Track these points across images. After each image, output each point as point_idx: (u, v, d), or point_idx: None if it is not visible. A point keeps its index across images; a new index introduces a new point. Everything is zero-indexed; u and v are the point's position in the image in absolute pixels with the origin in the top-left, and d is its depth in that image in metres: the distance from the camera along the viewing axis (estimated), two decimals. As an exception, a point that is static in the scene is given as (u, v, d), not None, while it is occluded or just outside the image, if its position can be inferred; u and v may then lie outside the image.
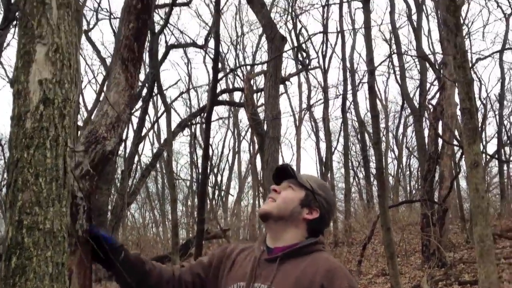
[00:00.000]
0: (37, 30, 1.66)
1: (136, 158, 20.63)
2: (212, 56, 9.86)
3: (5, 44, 14.80)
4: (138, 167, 22.96)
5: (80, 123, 16.21)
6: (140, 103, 17.11)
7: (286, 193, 2.01)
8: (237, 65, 21.94)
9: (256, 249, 2.05)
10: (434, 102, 16.49)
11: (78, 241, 1.94)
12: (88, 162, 2.07)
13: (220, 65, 16.66)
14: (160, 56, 16.90)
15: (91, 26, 18.19)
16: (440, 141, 13.58)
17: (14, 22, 14.38)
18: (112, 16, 18.32)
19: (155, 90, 16.86)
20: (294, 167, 2.11)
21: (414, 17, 17.54)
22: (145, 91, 17.34)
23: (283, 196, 2.01)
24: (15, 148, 1.61)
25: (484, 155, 19.62)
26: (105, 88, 2.52)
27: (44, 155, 1.61)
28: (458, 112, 11.67)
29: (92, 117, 2.25)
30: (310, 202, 2.01)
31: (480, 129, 16.53)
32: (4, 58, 16.42)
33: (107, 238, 2.02)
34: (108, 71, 16.82)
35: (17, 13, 14.54)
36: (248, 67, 20.33)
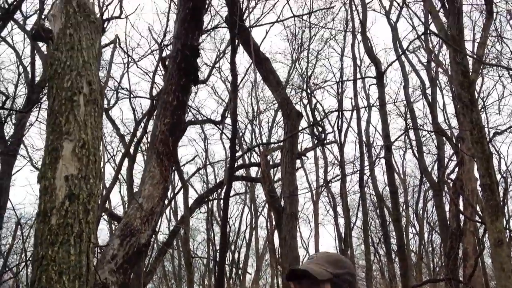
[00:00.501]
0: (65, 126, 1.71)
1: (153, 236, 20.47)
2: (228, 134, 10.05)
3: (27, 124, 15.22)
4: (155, 245, 22.74)
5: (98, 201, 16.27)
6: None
7: None
8: (254, 140, 22.16)
9: None
10: (453, 176, 16.38)
11: None
12: (122, 254, 2.08)
13: (236, 141, 16.88)
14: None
15: (111, 105, 18.62)
16: (462, 216, 13.36)
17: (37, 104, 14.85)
18: (132, 95, 18.80)
19: (173, 166, 16.98)
20: (310, 265, 2.04)
21: (429, 91, 17.77)
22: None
23: None
24: (40, 245, 1.61)
25: (508, 232, 19.20)
26: (139, 182, 2.56)
27: (68, 252, 1.61)
28: (479, 187, 11.54)
29: (127, 210, 2.28)
30: None
31: (501, 203, 16.26)
32: (27, 138, 16.77)
33: None
34: (126, 150, 17.09)
35: (40, 94, 15.04)
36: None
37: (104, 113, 16.70)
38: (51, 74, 1.92)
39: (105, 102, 17.31)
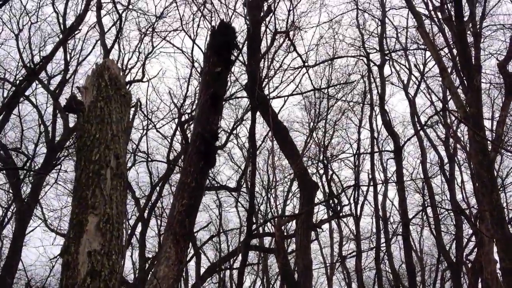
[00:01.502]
0: (90, 200, 1.70)
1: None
2: (243, 201, 9.93)
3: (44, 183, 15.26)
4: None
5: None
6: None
7: None
8: (269, 209, 21.92)
9: None
10: (472, 257, 15.97)
11: None
12: None
13: (253, 211, 16.79)
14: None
15: (128, 167, 18.74)
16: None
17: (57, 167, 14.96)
18: (149, 159, 18.89)
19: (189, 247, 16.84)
20: None
21: (447, 167, 17.63)
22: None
23: None
24: (61, 323, 1.57)
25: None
26: (155, 262, 2.53)
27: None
28: (498, 270, 11.21)
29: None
30: None
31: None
32: (43, 198, 16.76)
33: None
34: (141, 214, 17.01)
35: (59, 154, 15.19)
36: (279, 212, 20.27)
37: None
38: (80, 146, 1.95)
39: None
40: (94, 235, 1.67)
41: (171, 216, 2.57)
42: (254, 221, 18.22)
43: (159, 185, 17.63)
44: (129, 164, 19.11)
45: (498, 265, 10.89)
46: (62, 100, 13.51)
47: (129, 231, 17.49)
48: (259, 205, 23.11)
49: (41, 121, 16.48)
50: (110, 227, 1.72)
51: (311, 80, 14.22)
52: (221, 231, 24.90)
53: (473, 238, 16.83)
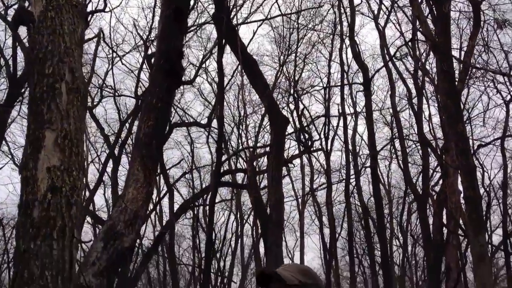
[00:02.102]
0: (46, 115, 1.64)
1: (138, 241, 20.28)
2: (215, 136, 9.90)
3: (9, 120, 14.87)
4: (139, 250, 22.50)
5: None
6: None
7: None
8: (240, 145, 21.98)
9: None
10: (437, 189, 16.43)
11: None
12: (106, 258, 2.02)
13: (223, 145, 16.74)
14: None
15: (95, 103, 18.27)
16: (445, 230, 13.38)
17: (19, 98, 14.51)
18: (116, 94, 18.51)
19: (158, 169, 16.83)
20: (280, 270, 2.06)
21: (415, 100, 17.79)
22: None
23: None
24: (22, 239, 1.55)
25: (489, 246, 19.24)
26: (123, 186, 2.51)
27: (50, 246, 1.56)
28: (462, 200, 11.57)
29: (111, 212, 2.23)
30: None
31: (484, 218, 16.27)
32: (9, 134, 16.32)
33: None
34: (111, 151, 16.88)
35: (22, 89, 14.73)
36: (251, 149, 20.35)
37: (88, 111, 16.42)
38: (33, 59, 1.84)
39: (89, 100, 17.01)
40: (53, 151, 1.62)
41: (138, 139, 2.51)
42: (224, 152, 18.19)
43: (128, 121, 17.33)
44: (96, 100, 18.66)
45: (462, 195, 11.26)
46: (22, 32, 12.86)
47: (100, 169, 17.38)
48: (230, 139, 23.15)
49: (0, 54, 15.82)
50: (69, 143, 1.67)
51: (279, 7, 13.94)
52: (194, 168, 24.98)
53: (439, 170, 17.26)
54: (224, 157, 17.77)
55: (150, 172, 2.29)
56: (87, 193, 18.66)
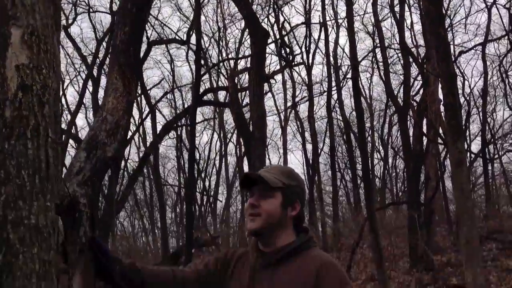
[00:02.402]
0: (11, 11, 1.56)
1: (122, 163, 20.42)
2: (194, 52, 9.70)
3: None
4: (125, 172, 22.74)
5: (64, 126, 15.96)
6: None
7: (266, 205, 1.98)
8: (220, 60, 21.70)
9: (251, 256, 2.05)
10: (418, 98, 16.54)
11: (82, 248, 1.91)
12: (89, 167, 1.99)
13: (203, 62, 16.44)
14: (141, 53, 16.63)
15: (70, 22, 17.70)
16: (425, 139, 13.59)
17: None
18: (91, 10, 17.96)
19: (139, 89, 16.65)
20: (263, 172, 2.05)
21: (397, 8, 17.47)
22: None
23: (265, 209, 1.97)
24: (-4, 138, 1.51)
25: (468, 154, 19.69)
26: (102, 93, 2.44)
27: (25, 145, 1.52)
28: (442, 109, 11.67)
29: (92, 123, 2.17)
30: (290, 200, 2.01)
31: (464, 126, 16.52)
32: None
33: (104, 248, 2.01)
34: (89, 71, 16.57)
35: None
36: (232, 66, 20.10)
37: (63, 30, 15.90)
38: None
39: (63, 18, 16.43)
40: (20, 48, 1.55)
41: (115, 46, 2.43)
42: (204, 65, 17.90)
43: (105, 40, 16.88)
44: (70, 18, 18.07)
45: (442, 103, 11.36)
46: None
47: (80, 91, 17.11)
48: (211, 56, 22.84)
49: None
50: (36, 39, 1.60)
51: None
52: (175, 87, 24.76)
53: (420, 79, 17.32)
54: (204, 73, 17.57)
55: (129, 80, 2.22)
56: (69, 116, 18.53)
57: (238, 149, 26.62)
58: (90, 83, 17.07)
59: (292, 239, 2.00)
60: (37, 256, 1.51)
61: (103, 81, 17.65)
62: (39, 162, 1.55)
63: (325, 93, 20.01)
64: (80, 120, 49.06)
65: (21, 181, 1.51)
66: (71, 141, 16.16)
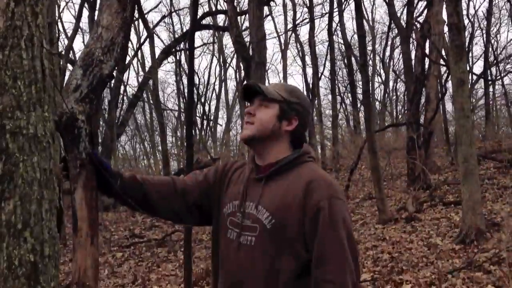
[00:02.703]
0: None
1: (122, 88, 20.38)
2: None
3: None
4: (125, 97, 22.74)
5: (61, 49, 15.79)
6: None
7: (261, 114, 1.98)
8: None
9: (247, 168, 2.08)
10: (421, 20, 16.21)
11: (83, 163, 1.95)
12: (86, 85, 2.01)
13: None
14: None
15: None
16: (427, 61, 13.46)
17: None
18: None
19: (136, 14, 16.32)
20: (265, 86, 2.04)
21: None
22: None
23: (259, 117, 1.98)
24: (-11, 49, 1.52)
25: (470, 75, 19.56)
26: (97, 11, 2.39)
27: (20, 56, 1.53)
28: (446, 30, 11.48)
29: (87, 40, 2.15)
30: (287, 114, 2.00)
31: (466, 48, 16.28)
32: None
33: (105, 163, 2.05)
34: None
35: None
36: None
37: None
38: None
39: None
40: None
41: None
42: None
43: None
44: None
45: (445, 24, 11.17)
46: None
47: (76, 14, 16.77)
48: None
49: None
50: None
51: None
52: (173, 11, 24.30)
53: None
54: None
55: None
56: (66, 41, 18.29)
57: (237, 73, 26.48)
58: (86, 6, 16.72)
59: (287, 154, 2.01)
60: (37, 164, 1.55)
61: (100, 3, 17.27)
62: (35, 73, 1.56)
63: (327, 15, 19.61)
64: (78, 44, 48.46)
65: (17, 91, 1.52)
66: (69, 65, 15.99)
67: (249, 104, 2.07)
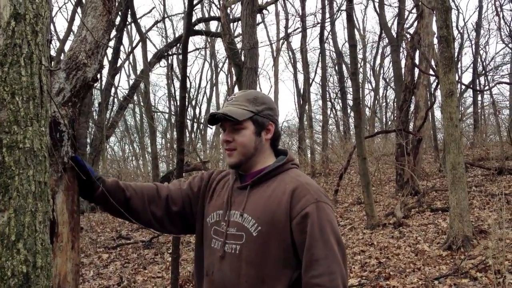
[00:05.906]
0: None
1: (113, 90, 20.34)
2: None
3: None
4: (115, 99, 22.69)
5: (53, 53, 15.77)
6: (114, 33, 16.63)
7: (240, 137, 1.99)
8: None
9: (231, 178, 2.09)
10: (412, 31, 16.37)
11: (64, 167, 1.93)
12: (70, 88, 2.03)
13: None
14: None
15: None
16: (416, 71, 13.61)
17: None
18: None
19: (129, 18, 16.35)
20: (229, 106, 2.03)
21: None
22: (118, 19, 16.83)
23: (240, 142, 1.98)
24: (-11, 66, 1.56)
25: (459, 85, 19.77)
26: (81, 13, 2.42)
27: (19, 73, 1.57)
28: (435, 41, 11.61)
29: (71, 43, 2.17)
30: (262, 125, 2.01)
31: (456, 59, 16.48)
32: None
33: (87, 167, 2.03)
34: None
35: None
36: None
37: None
38: None
39: None
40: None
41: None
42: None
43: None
44: None
45: (435, 36, 11.32)
46: None
47: (69, 19, 16.75)
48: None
49: None
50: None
51: None
52: (166, 16, 24.37)
53: (414, 11, 17.12)
54: (197, 3, 17.24)
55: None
56: (58, 43, 18.25)
57: (229, 78, 26.50)
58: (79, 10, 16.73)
59: (271, 160, 2.03)
60: (32, 177, 1.58)
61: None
62: (33, 89, 1.60)
63: (319, 25, 19.75)
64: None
65: (15, 107, 1.55)
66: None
67: (221, 128, 2.08)
